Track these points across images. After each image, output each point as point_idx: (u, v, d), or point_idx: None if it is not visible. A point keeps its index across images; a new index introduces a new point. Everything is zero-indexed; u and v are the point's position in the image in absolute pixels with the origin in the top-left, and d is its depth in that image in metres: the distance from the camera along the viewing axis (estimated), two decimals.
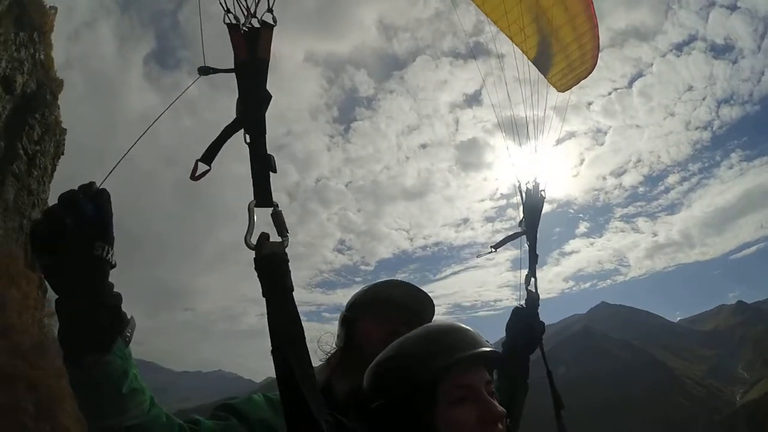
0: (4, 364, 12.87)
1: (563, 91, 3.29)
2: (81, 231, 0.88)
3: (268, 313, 1.01)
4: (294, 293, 1.05)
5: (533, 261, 2.28)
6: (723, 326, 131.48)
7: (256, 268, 1.04)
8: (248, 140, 1.12)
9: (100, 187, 0.94)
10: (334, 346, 1.53)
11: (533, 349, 2.04)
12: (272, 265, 1.04)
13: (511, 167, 2.54)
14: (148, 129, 1.13)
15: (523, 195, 2.42)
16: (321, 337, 1.54)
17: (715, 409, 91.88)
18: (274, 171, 1.13)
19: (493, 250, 2.38)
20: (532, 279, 2.22)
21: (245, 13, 1.18)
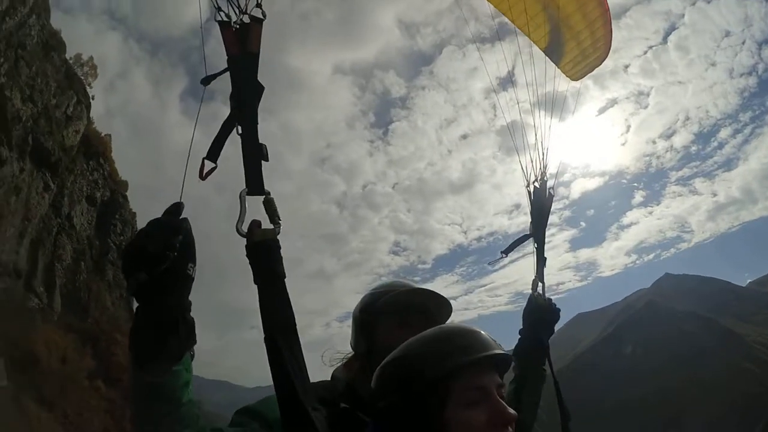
0: None
1: (576, 80, 3.28)
2: (180, 252, 0.98)
3: (260, 301, 1.07)
4: (286, 280, 1.09)
5: (541, 265, 2.28)
6: None
7: (247, 255, 1.10)
8: (240, 131, 1.20)
9: (183, 216, 1.03)
10: (349, 350, 1.55)
11: (542, 358, 2.08)
12: (264, 252, 1.09)
13: (526, 160, 2.52)
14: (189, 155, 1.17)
15: (531, 195, 2.43)
16: (324, 353, 1.56)
17: None
18: (266, 159, 1.20)
19: (504, 255, 2.43)
20: (540, 283, 2.22)
21: (236, 10, 1.27)
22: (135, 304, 1.04)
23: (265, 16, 1.27)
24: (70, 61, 27.37)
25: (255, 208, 1.17)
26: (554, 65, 3.02)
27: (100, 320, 23.46)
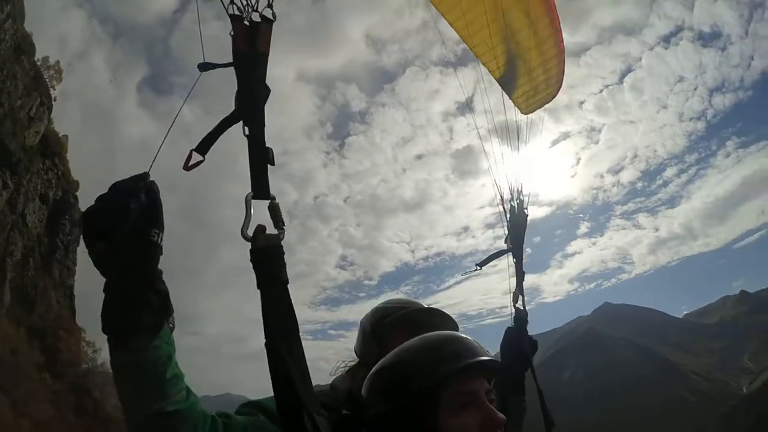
0: None
1: (527, 114, 3.42)
2: (140, 217, 0.95)
3: (262, 306, 1.06)
4: (289, 286, 1.09)
5: (520, 278, 2.37)
6: (728, 318, 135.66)
7: (251, 260, 1.08)
8: (247, 132, 1.18)
9: (150, 178, 0.99)
10: (353, 358, 1.57)
11: (526, 368, 2.12)
12: (268, 257, 1.08)
13: (499, 179, 2.63)
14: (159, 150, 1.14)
15: (507, 213, 2.56)
16: (337, 367, 1.59)
17: (721, 403, 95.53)
18: (272, 163, 1.18)
19: (478, 268, 2.52)
20: (520, 296, 2.31)
21: (247, 5, 1.24)
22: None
23: (275, 17, 1.27)
24: (38, 63, 28.71)
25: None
26: (507, 96, 3.26)
27: (46, 316, 24.71)
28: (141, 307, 0.95)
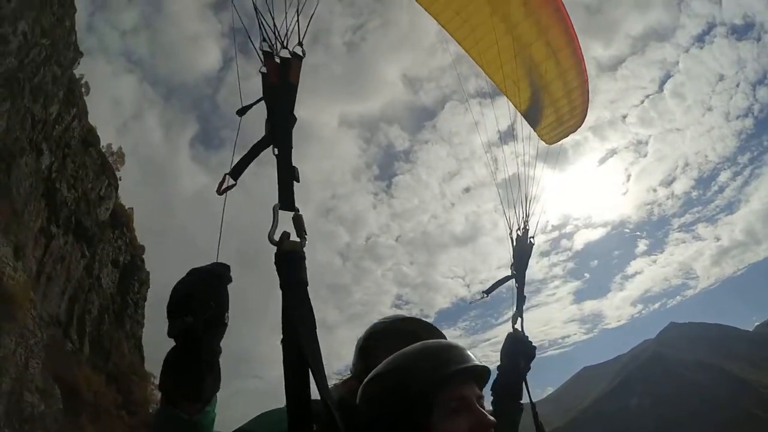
0: None
1: (551, 144, 3.51)
2: (223, 301, 1.09)
3: (283, 305, 1.15)
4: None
5: (521, 302, 2.52)
6: None
7: (275, 263, 1.20)
8: (276, 152, 1.34)
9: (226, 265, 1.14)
10: (348, 373, 1.63)
11: (518, 381, 2.22)
12: (291, 260, 1.20)
13: (508, 211, 2.76)
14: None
15: (514, 241, 2.71)
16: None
17: None
18: (298, 181, 1.34)
19: (486, 295, 2.67)
20: (519, 319, 2.43)
21: (278, 44, 1.42)
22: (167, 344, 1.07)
23: (304, 54, 1.41)
24: (103, 150, 34.72)
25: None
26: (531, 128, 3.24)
27: (120, 364, 29.08)
28: (206, 377, 1.07)
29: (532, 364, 2.33)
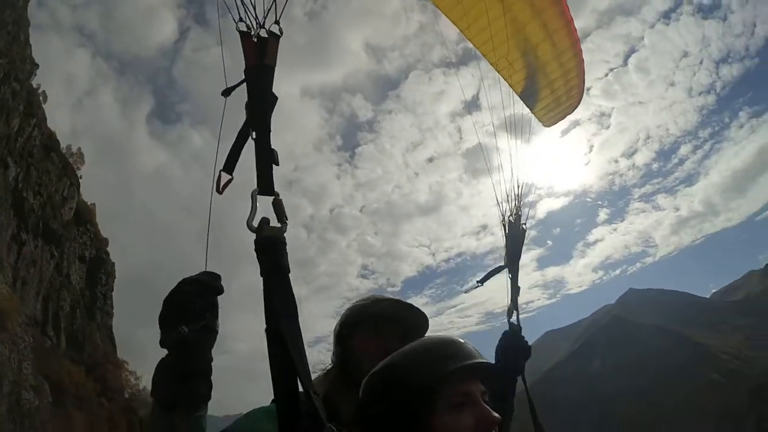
0: None
1: (549, 126, 3.61)
2: (216, 310, 1.14)
3: (264, 293, 1.17)
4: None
5: (515, 294, 2.56)
6: (753, 293, 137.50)
7: (255, 249, 1.20)
8: (254, 136, 1.34)
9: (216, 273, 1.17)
10: (330, 362, 1.66)
11: (514, 377, 2.27)
12: (271, 247, 1.21)
13: (500, 197, 2.77)
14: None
15: (506, 228, 2.74)
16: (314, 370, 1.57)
17: (752, 380, 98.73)
18: (277, 164, 1.34)
19: (480, 284, 2.71)
20: (515, 311, 2.47)
21: (255, 23, 1.42)
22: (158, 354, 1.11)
23: (282, 32, 1.42)
24: (63, 152, 37.62)
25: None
26: (529, 109, 3.33)
27: (94, 354, 33.45)
28: (199, 386, 1.12)
29: (524, 361, 2.35)
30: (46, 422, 21.68)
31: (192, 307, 1.11)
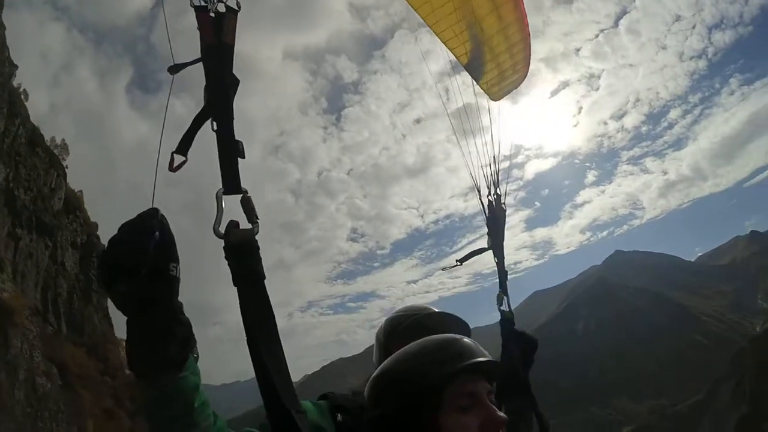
0: None
1: (496, 100, 3.66)
2: (158, 254, 1.02)
3: (240, 303, 1.13)
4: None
5: (503, 277, 2.57)
6: (739, 258, 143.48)
7: (225, 257, 1.15)
8: (215, 127, 1.25)
9: (160, 213, 1.06)
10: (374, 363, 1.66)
11: (515, 370, 2.26)
12: (242, 253, 1.15)
13: (477, 174, 2.82)
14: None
15: (485, 209, 2.76)
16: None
17: (734, 344, 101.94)
18: (243, 157, 1.24)
19: (459, 263, 2.76)
20: (504, 298, 2.50)
21: None
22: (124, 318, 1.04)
23: (240, 6, 1.33)
24: (48, 145, 40.20)
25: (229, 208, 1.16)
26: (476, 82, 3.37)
27: (93, 335, 37.47)
28: (168, 340, 1.02)
29: (531, 354, 2.35)
30: (59, 403, 25.76)
31: (120, 261, 1.00)
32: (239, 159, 1.25)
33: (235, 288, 1.15)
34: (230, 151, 1.25)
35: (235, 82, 1.31)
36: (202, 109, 1.29)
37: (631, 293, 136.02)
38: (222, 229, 1.16)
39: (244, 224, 1.21)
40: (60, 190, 39.97)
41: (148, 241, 1.01)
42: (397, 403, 1.17)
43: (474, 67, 3.55)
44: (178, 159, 1.27)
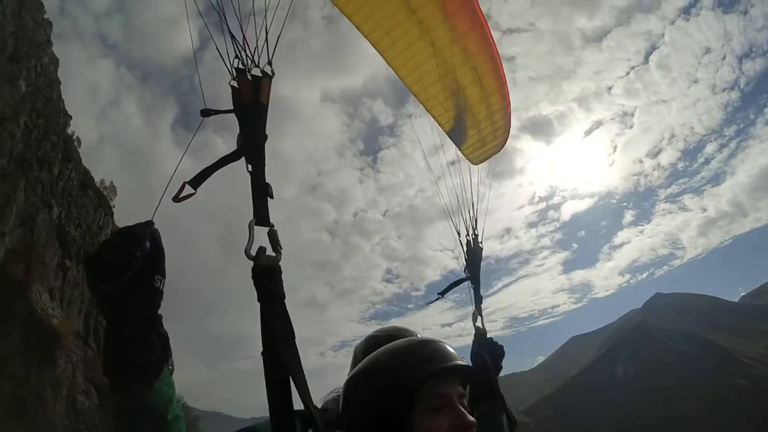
0: None
1: (476, 164, 3.82)
2: (145, 263, 1.11)
3: (261, 317, 1.28)
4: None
5: (478, 301, 2.86)
6: None
7: (252, 277, 1.33)
8: (250, 169, 1.50)
9: (154, 226, 1.18)
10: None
11: (486, 376, 2.41)
12: (267, 274, 1.34)
13: (459, 220, 3.10)
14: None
15: (464, 247, 3.04)
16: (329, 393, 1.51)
17: None
18: (272, 197, 1.49)
19: (440, 296, 2.96)
20: (479, 317, 2.75)
21: (250, 61, 1.62)
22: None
23: (274, 73, 1.59)
24: (98, 186, 44.80)
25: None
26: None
27: None
28: (144, 348, 1.08)
29: (499, 361, 2.50)
30: (95, 419, 28.38)
31: (106, 262, 1.05)
32: (269, 198, 1.49)
33: (259, 304, 1.31)
34: (262, 191, 1.49)
35: (266, 137, 1.55)
36: (231, 153, 1.52)
37: (672, 336, 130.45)
38: (252, 252, 1.37)
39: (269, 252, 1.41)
40: (107, 228, 44.19)
41: (137, 248, 1.10)
42: (371, 405, 1.19)
43: (455, 133, 3.78)
44: (188, 190, 1.44)
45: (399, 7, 3.23)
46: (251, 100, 1.55)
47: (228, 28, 1.66)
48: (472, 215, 3.21)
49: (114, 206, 46.30)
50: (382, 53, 3.43)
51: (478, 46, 3.51)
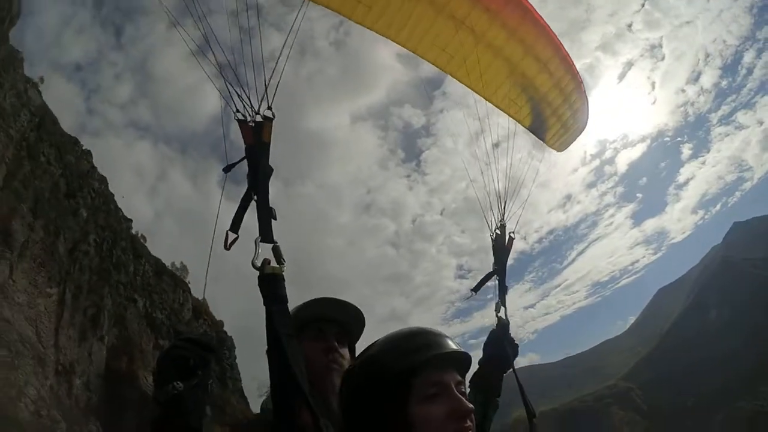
0: None
1: (562, 151, 3.84)
2: (206, 374, 1.28)
3: (267, 320, 1.44)
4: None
5: (502, 293, 2.90)
6: None
7: (258, 284, 1.53)
8: (255, 198, 1.74)
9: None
10: None
11: (505, 368, 2.47)
12: (273, 281, 1.52)
13: (487, 215, 3.17)
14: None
15: (493, 241, 3.13)
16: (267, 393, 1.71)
17: None
18: (275, 219, 1.72)
19: (474, 293, 3.01)
20: (502, 307, 2.78)
21: (251, 111, 1.86)
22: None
23: (274, 116, 1.82)
24: (170, 269, 50.84)
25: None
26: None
27: (233, 415, 42.92)
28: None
29: (512, 359, 2.49)
30: None
31: (187, 363, 1.22)
32: (273, 220, 1.74)
33: (264, 307, 1.48)
34: (266, 214, 1.74)
35: (271, 170, 1.82)
36: (245, 192, 1.79)
37: (760, 265, 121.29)
38: (258, 263, 1.58)
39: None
40: (187, 303, 49.45)
41: (209, 356, 1.31)
42: (368, 394, 1.21)
43: (536, 126, 3.74)
44: (232, 236, 1.71)
45: (446, 22, 3.31)
46: (253, 142, 1.84)
47: (227, 86, 1.96)
48: (500, 208, 3.31)
49: (189, 282, 52.12)
50: (448, 72, 3.58)
51: (534, 35, 3.53)
